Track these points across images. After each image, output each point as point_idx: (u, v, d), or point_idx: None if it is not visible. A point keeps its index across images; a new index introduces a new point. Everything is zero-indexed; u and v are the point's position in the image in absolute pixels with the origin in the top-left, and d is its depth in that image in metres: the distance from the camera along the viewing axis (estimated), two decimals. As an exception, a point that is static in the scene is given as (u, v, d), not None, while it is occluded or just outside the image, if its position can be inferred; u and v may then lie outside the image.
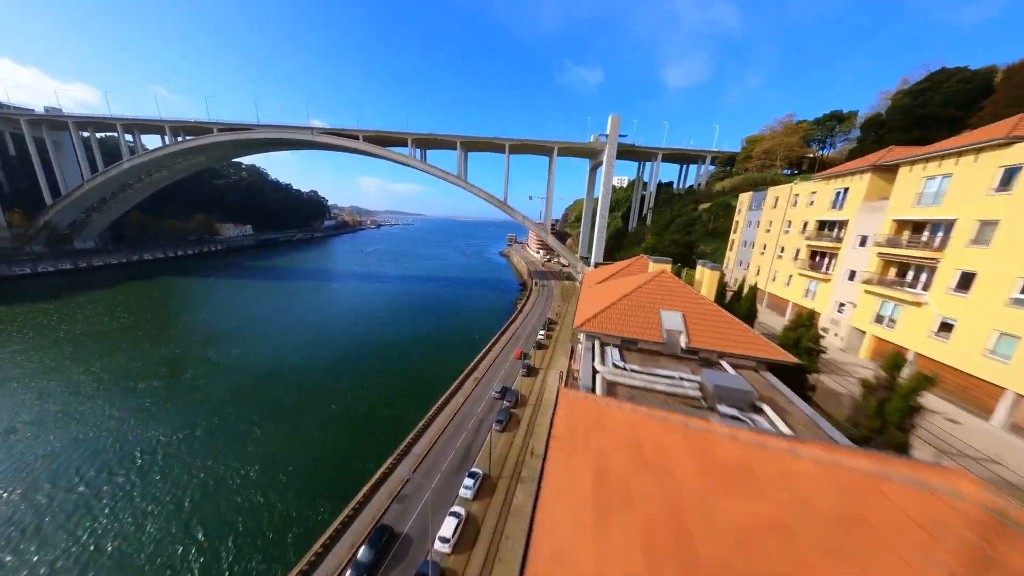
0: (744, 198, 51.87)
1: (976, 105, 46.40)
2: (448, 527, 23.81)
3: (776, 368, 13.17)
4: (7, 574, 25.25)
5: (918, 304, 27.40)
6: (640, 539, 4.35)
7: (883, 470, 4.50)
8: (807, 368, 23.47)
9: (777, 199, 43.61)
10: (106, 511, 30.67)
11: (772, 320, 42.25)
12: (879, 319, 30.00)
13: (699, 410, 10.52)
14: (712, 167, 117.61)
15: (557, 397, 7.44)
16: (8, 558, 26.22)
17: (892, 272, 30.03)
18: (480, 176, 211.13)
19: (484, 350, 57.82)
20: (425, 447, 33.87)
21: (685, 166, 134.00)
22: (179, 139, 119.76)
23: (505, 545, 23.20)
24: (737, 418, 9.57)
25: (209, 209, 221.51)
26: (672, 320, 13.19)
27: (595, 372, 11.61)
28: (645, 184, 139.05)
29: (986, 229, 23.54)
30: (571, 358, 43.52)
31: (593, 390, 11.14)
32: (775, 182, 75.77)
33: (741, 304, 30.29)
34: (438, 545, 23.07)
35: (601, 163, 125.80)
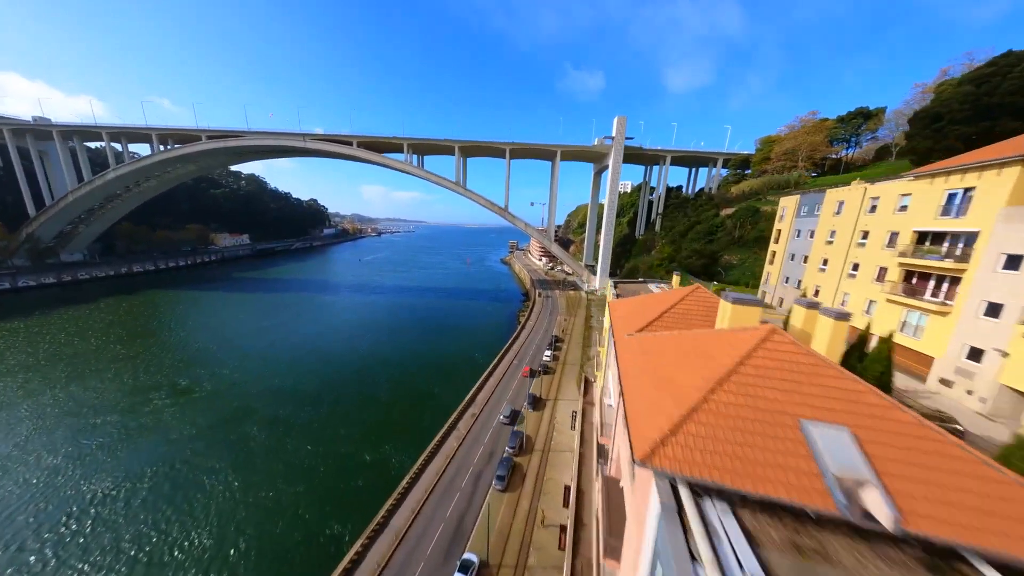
0: (788, 203, 43.25)
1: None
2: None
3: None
4: None
5: None
6: None
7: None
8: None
9: (842, 204, 35.01)
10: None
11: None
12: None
13: None
14: (724, 170, 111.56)
15: None
16: None
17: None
18: (480, 182, 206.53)
19: (482, 378, 51.28)
20: (407, 517, 27.14)
21: (694, 169, 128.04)
22: (165, 147, 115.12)
23: None
24: None
25: (206, 219, 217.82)
26: (838, 450, 6.75)
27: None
28: (652, 189, 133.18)
29: None
30: (583, 390, 36.87)
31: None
32: (799, 184, 69.42)
33: (868, 366, 20.43)
34: None
35: (606, 167, 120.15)
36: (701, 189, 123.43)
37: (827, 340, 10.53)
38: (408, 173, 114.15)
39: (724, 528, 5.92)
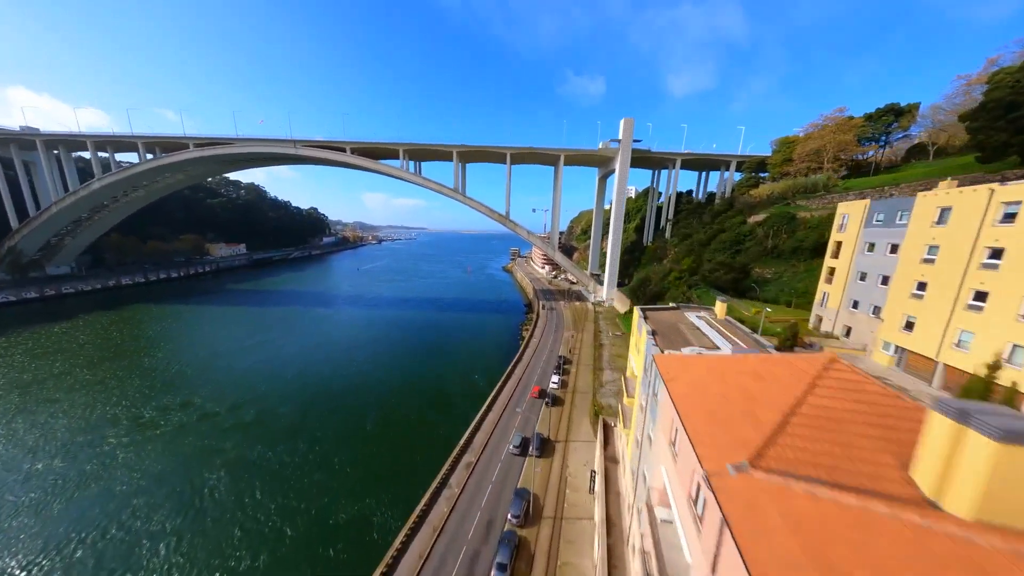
0: (851, 209, 35.17)
1: None
2: None
3: None
4: None
5: None
6: None
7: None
8: None
9: (947, 211, 26.65)
10: None
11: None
12: None
13: None
14: (738, 174, 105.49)
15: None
16: None
17: None
18: (480, 188, 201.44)
19: (479, 414, 44.67)
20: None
21: (705, 173, 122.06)
22: (150, 156, 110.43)
23: None
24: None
25: (202, 229, 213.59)
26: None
27: None
28: (659, 194, 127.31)
29: None
30: (601, 438, 30.24)
31: None
32: (829, 187, 63.18)
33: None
34: None
35: (611, 171, 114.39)
36: (712, 193, 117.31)
37: (986, 472, 4.22)
38: (405, 180, 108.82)
39: None
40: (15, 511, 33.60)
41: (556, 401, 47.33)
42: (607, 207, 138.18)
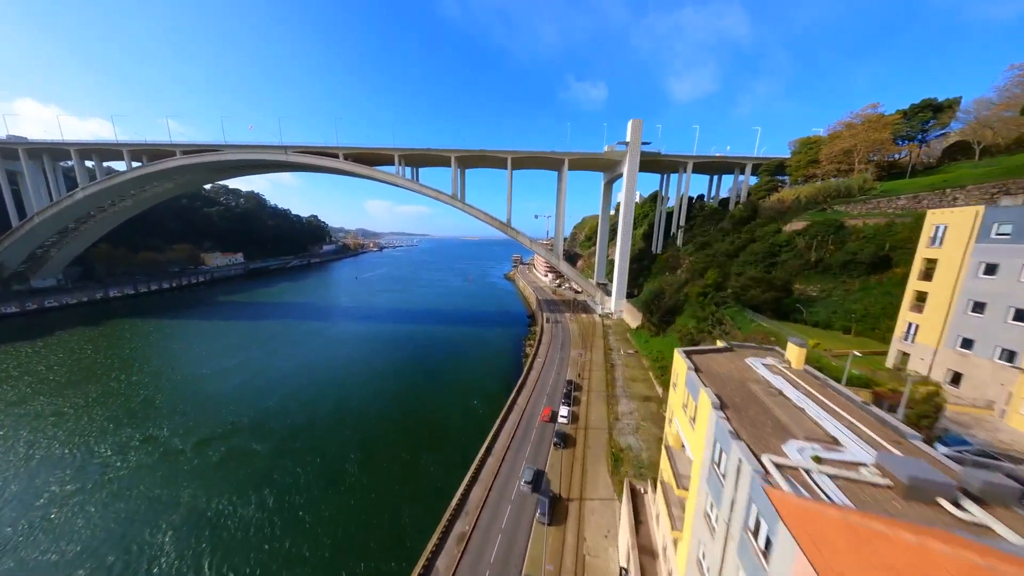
0: (952, 218, 27.70)
1: None
2: None
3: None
4: None
5: None
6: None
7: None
8: None
9: None
10: None
11: None
12: None
13: None
14: (753, 177, 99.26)
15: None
16: None
17: None
18: (482, 192, 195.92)
19: (479, 457, 38.09)
20: None
21: (717, 177, 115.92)
22: (137, 164, 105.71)
23: None
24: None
25: (199, 238, 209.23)
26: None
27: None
28: (665, 199, 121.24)
29: None
30: (632, 512, 23.62)
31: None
32: (865, 190, 56.75)
33: None
34: None
35: (618, 176, 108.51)
36: (726, 199, 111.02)
37: None
38: (400, 187, 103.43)
39: None
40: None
41: (566, 441, 40.61)
42: (612, 213, 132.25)
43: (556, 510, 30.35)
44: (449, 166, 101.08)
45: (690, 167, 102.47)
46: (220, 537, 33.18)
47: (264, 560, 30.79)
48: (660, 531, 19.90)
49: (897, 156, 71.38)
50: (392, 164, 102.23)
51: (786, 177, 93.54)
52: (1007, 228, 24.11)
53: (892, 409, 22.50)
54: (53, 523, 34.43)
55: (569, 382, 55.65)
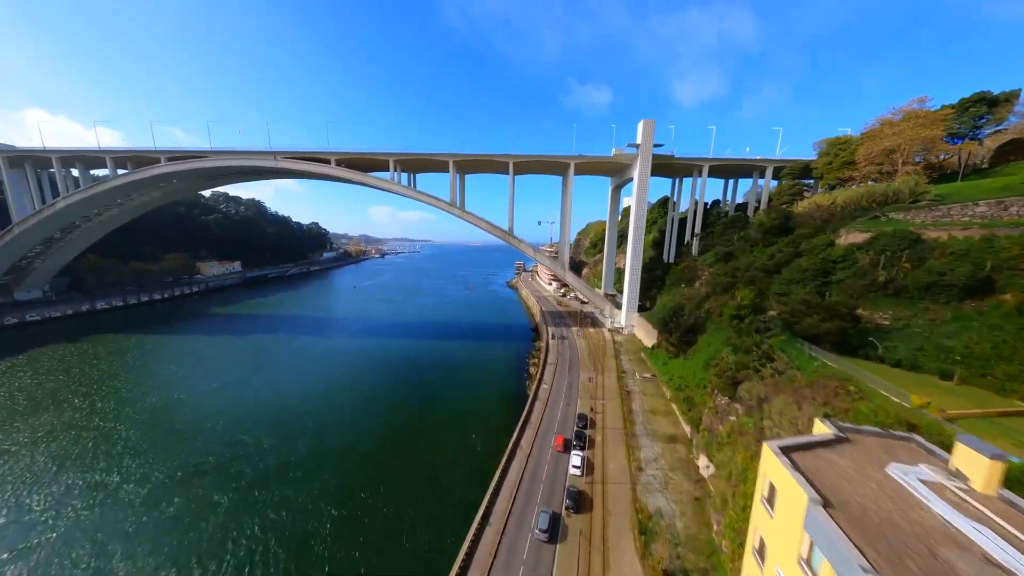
0: None
1: None
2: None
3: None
4: None
5: None
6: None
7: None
8: None
9: None
10: None
11: None
12: None
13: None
14: (775, 181, 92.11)
15: None
16: None
17: None
18: (483, 197, 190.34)
19: (473, 528, 30.92)
20: None
21: (733, 181, 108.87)
22: (123, 171, 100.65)
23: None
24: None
25: (196, 247, 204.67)
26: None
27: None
28: (675, 204, 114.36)
29: None
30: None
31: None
32: (917, 194, 49.45)
33: None
34: None
35: (627, 180, 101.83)
36: (744, 204, 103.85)
37: None
38: (396, 194, 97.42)
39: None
40: None
41: (580, 502, 33.22)
42: (618, 219, 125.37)
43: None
44: (447, 171, 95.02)
45: (706, 170, 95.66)
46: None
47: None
48: None
49: (942, 156, 64.15)
50: (388, 170, 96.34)
51: (811, 180, 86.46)
52: None
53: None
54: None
55: (581, 417, 48.48)
